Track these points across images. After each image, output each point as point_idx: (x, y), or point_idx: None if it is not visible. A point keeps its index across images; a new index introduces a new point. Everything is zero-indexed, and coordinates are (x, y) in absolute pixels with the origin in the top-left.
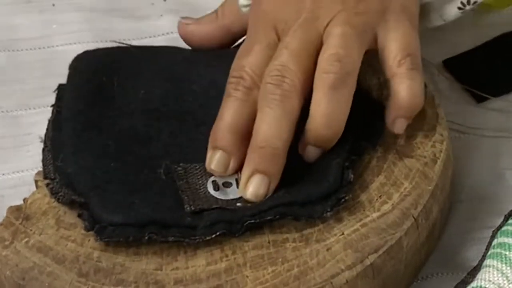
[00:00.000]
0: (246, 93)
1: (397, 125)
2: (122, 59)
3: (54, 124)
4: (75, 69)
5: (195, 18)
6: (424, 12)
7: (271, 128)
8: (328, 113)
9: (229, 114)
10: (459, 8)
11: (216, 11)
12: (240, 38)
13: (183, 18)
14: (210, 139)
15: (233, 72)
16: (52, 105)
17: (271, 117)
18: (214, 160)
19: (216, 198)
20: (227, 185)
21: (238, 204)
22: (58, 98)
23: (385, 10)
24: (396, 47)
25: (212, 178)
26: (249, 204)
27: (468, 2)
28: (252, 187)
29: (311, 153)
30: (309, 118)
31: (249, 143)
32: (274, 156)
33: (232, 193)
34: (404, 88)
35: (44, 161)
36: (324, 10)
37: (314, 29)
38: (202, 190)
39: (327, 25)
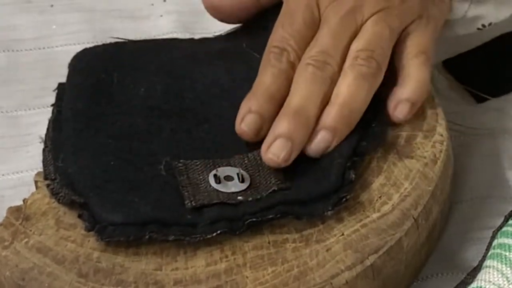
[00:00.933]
0: (287, 65)
1: (400, 108)
2: (121, 55)
3: (55, 124)
4: (74, 67)
5: None
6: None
7: (304, 99)
8: (353, 97)
9: (269, 81)
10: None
11: None
12: (267, 5)
13: None
14: (245, 101)
15: (276, 42)
16: (52, 105)
17: (306, 91)
18: (247, 120)
19: (217, 191)
20: (228, 178)
21: (240, 197)
22: (58, 98)
23: (421, 15)
24: (416, 44)
25: (213, 172)
26: (250, 198)
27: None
28: (275, 148)
29: (322, 140)
30: (332, 99)
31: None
32: (303, 125)
33: (233, 187)
34: (417, 73)
35: (44, 161)
36: (369, 2)
37: (356, 18)
38: (203, 185)
39: (369, 18)
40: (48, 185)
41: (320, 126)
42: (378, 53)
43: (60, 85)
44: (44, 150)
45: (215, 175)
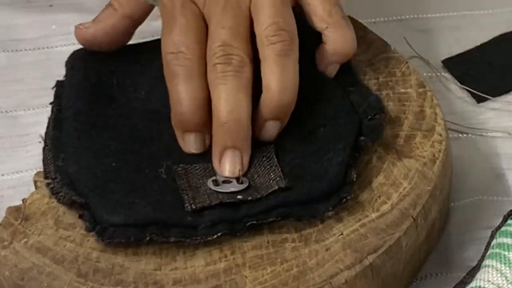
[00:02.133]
0: (192, 70)
1: (330, 70)
2: (121, 55)
3: (55, 122)
4: (72, 66)
5: (89, 22)
6: None
7: (229, 103)
8: (282, 80)
9: (184, 95)
10: None
11: (110, 4)
12: (140, 24)
13: (78, 25)
14: (177, 124)
15: (169, 48)
16: (51, 103)
17: (227, 93)
18: (188, 142)
19: (217, 192)
20: (227, 181)
21: (239, 196)
22: (56, 96)
23: None
24: None
25: (212, 178)
26: (250, 197)
27: None
28: (228, 164)
29: (270, 129)
30: (263, 90)
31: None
32: (239, 129)
33: (232, 187)
34: (341, 35)
35: (44, 160)
36: None
37: (242, 2)
38: (202, 188)
39: None
40: (48, 184)
41: (263, 120)
42: (284, 22)
43: (58, 82)
44: (44, 148)
45: (214, 180)
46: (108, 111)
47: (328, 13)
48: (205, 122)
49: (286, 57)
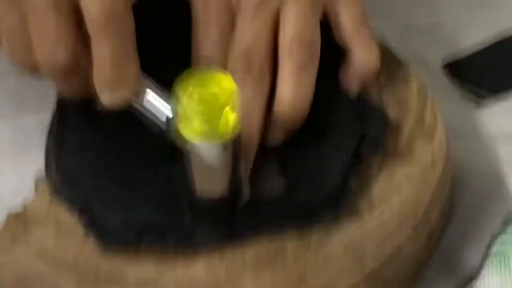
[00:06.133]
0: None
1: (355, 86)
2: None
3: (58, 117)
4: None
5: None
6: None
7: (243, 110)
8: (296, 94)
9: None
10: None
11: None
12: None
13: None
14: None
15: (204, 52)
16: (56, 95)
17: (242, 100)
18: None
19: (216, 199)
20: None
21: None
22: None
23: None
24: (351, 15)
25: None
26: (249, 204)
27: None
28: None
29: (276, 139)
30: (276, 100)
31: None
32: (248, 138)
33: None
34: (369, 55)
35: (46, 154)
36: None
37: (272, 7)
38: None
39: (282, 2)
40: (48, 182)
41: (270, 129)
42: (308, 34)
43: None
44: (46, 145)
45: None
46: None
47: (357, 30)
48: None
49: (303, 70)
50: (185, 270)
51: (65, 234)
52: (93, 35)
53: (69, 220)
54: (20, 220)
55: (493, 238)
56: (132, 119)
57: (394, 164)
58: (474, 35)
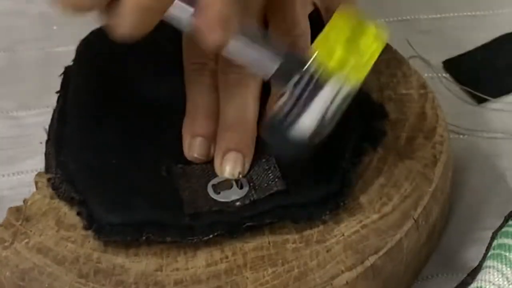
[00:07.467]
0: (211, 78)
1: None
2: (131, 48)
3: (59, 115)
4: (81, 53)
5: None
6: None
7: (238, 107)
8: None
9: (200, 101)
10: None
11: None
12: None
13: None
14: (186, 127)
15: (194, 58)
16: (58, 92)
17: (236, 97)
18: (194, 146)
19: (215, 200)
20: (227, 185)
21: (238, 203)
22: (63, 85)
23: None
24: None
25: (212, 182)
26: (247, 201)
27: None
28: (229, 165)
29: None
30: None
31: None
32: (245, 132)
33: (233, 195)
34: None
35: (46, 154)
36: None
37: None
38: (201, 192)
39: None
40: (49, 179)
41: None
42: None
43: (67, 69)
44: (47, 142)
45: (213, 185)
46: (113, 106)
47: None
48: (214, 131)
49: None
50: (185, 266)
51: (65, 230)
52: None
53: (69, 215)
54: (21, 215)
55: (494, 234)
56: (132, 118)
57: (395, 161)
58: (474, 35)
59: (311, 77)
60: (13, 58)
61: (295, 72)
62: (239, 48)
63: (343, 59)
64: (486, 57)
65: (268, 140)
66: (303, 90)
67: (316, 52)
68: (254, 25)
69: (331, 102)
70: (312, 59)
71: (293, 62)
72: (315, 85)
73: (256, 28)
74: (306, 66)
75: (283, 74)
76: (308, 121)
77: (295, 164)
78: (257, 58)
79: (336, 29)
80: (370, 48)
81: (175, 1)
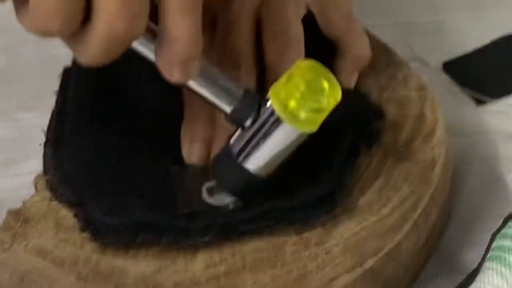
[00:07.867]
0: None
1: (354, 77)
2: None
3: (58, 116)
4: None
5: None
6: None
7: None
8: None
9: (200, 104)
10: None
11: None
12: None
13: None
14: (187, 132)
15: None
16: (57, 92)
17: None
18: (195, 151)
19: (209, 203)
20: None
21: (231, 206)
22: (62, 85)
23: None
24: (339, 7)
25: (207, 185)
26: (241, 204)
27: None
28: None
29: None
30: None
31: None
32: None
33: (227, 198)
34: (360, 42)
35: (44, 155)
36: None
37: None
38: (196, 194)
39: None
40: (47, 181)
41: None
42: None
43: (66, 70)
44: (45, 143)
45: (208, 188)
46: (112, 107)
47: (345, 21)
48: (213, 135)
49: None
50: (184, 268)
51: (64, 232)
52: (172, 11)
53: (68, 217)
54: (20, 217)
55: (493, 235)
56: (130, 119)
57: (394, 163)
58: (474, 36)
59: (265, 121)
60: (13, 59)
61: (249, 114)
62: (197, 86)
63: (298, 107)
64: (485, 58)
65: (215, 175)
66: (256, 131)
67: (272, 98)
68: (213, 66)
69: (281, 147)
70: (268, 104)
71: (248, 105)
72: (268, 130)
73: (215, 69)
74: (260, 111)
75: (238, 116)
76: (256, 161)
77: (291, 166)
78: (215, 97)
79: (296, 77)
80: (325, 101)
81: (139, 37)
